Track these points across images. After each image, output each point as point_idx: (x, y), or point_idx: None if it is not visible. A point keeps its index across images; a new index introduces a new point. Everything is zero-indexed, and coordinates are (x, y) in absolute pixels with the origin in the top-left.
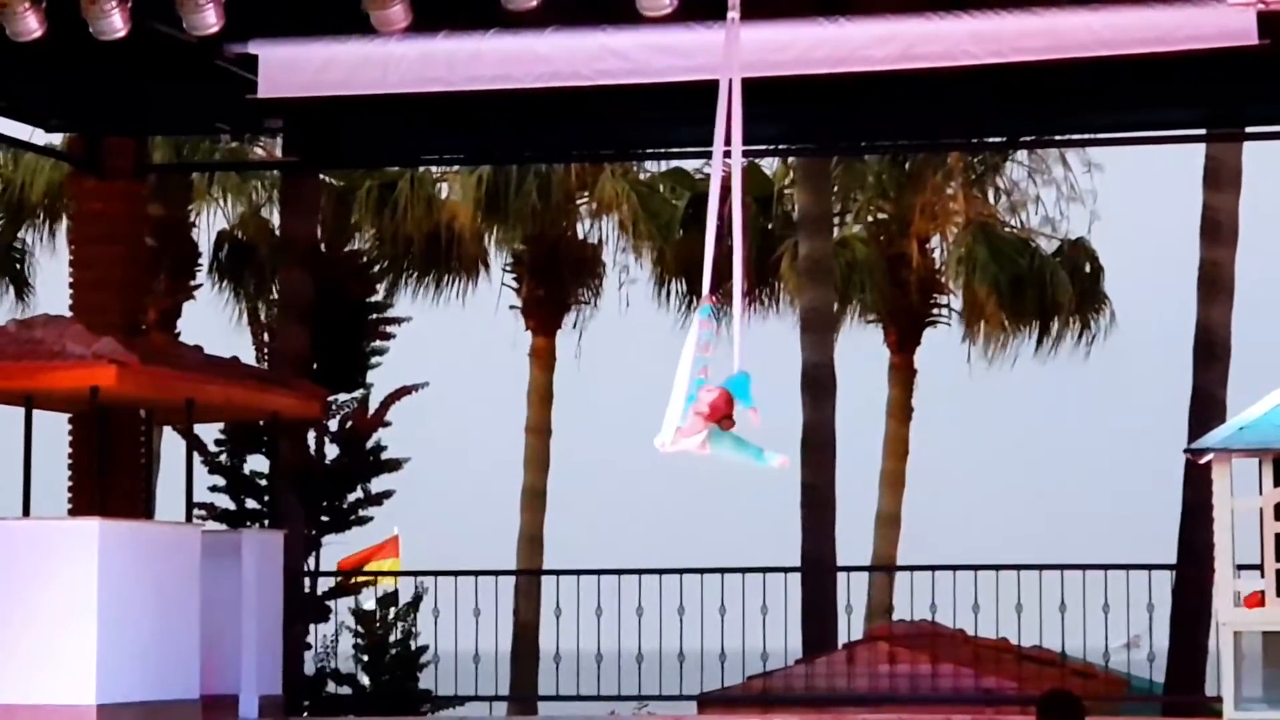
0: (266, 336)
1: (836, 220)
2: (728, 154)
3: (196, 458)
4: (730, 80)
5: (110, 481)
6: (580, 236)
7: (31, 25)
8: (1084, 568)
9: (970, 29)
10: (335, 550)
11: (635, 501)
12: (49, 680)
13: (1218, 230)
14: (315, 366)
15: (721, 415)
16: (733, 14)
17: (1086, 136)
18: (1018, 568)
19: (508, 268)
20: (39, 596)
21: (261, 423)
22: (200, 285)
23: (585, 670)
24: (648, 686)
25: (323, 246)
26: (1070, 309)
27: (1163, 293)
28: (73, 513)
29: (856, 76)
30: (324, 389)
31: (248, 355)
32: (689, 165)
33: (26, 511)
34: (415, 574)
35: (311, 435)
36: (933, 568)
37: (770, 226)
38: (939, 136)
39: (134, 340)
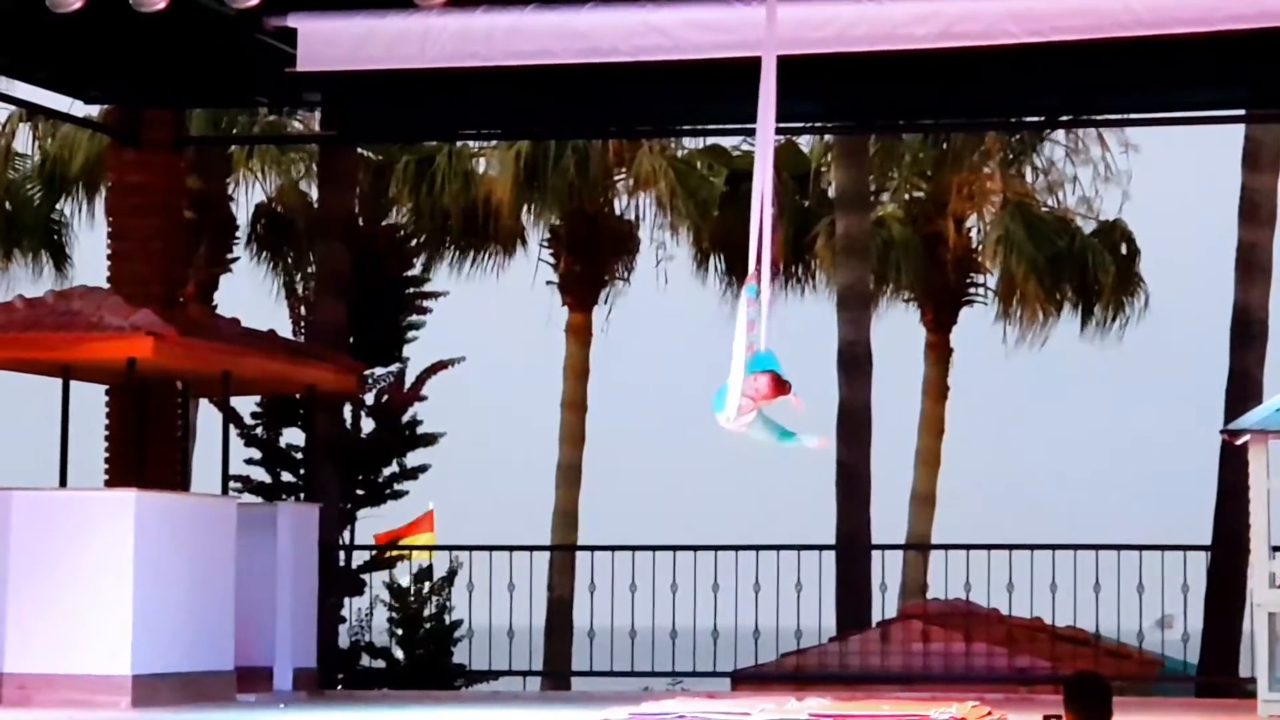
0: (303, 310)
1: (873, 199)
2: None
3: (233, 430)
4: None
5: (147, 453)
6: (617, 213)
7: None
8: (1119, 548)
9: (1010, 8)
10: (370, 524)
11: (670, 478)
12: (85, 650)
13: (1256, 211)
14: (352, 340)
15: (770, 398)
16: None
17: (1125, 116)
18: (1052, 547)
19: (545, 243)
20: (75, 567)
21: (298, 396)
22: (238, 258)
23: (619, 646)
24: (681, 663)
25: (360, 220)
26: (1107, 290)
27: (1200, 274)
28: (109, 484)
29: (896, 54)
30: (360, 363)
31: (285, 328)
32: (727, 142)
33: (63, 482)
34: (450, 548)
35: (347, 409)
36: (967, 546)
37: (807, 204)
38: (977, 115)
39: (171, 312)
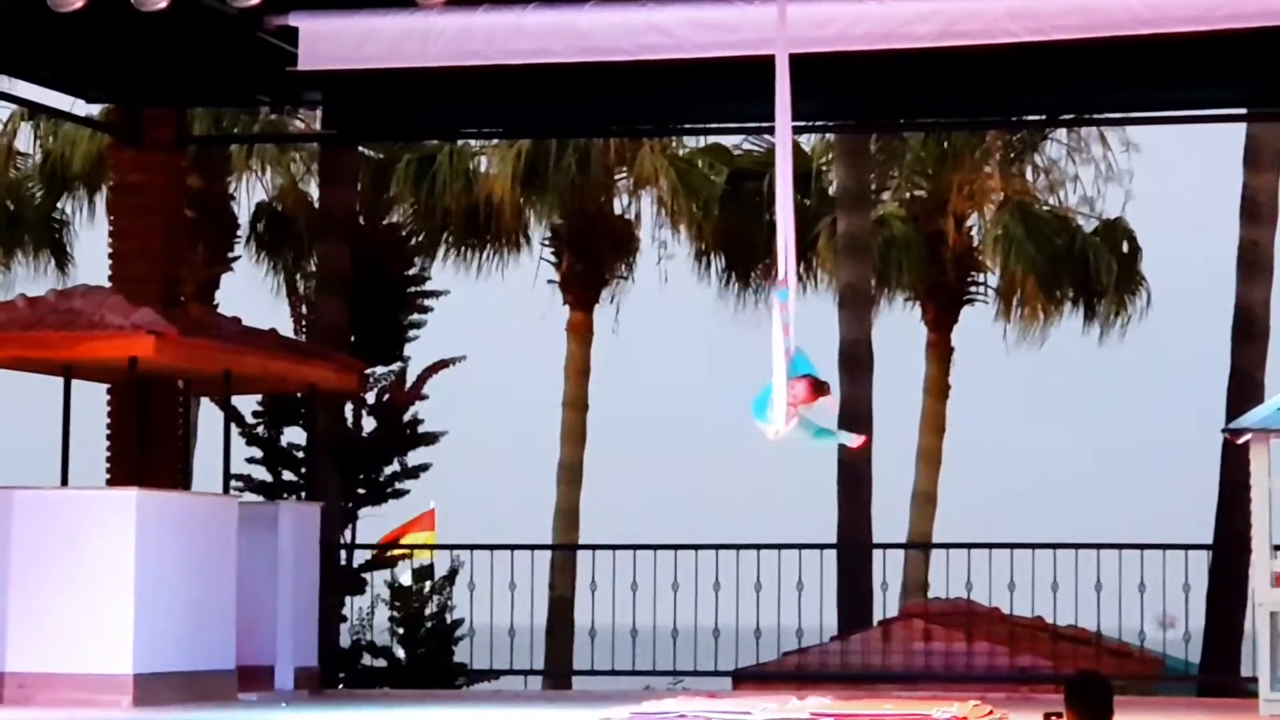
0: (304, 308)
1: (874, 197)
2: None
3: (234, 429)
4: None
5: (148, 452)
6: (618, 211)
7: None
8: (1120, 547)
9: (1010, 7)
10: (371, 523)
11: (672, 477)
12: (87, 649)
13: (1257, 210)
14: (353, 339)
15: (809, 401)
16: None
17: (1125, 115)
18: (1054, 546)
19: (546, 242)
20: (77, 566)
21: (299, 395)
22: (238, 257)
23: (620, 645)
24: (683, 662)
25: (361, 219)
26: (1109, 288)
27: (1201, 273)
28: (111, 483)
29: (897, 53)
30: (361, 362)
31: (286, 327)
32: (728, 141)
33: (65, 481)
34: (451, 548)
35: (349, 408)
36: (969, 546)
37: (809, 203)
38: (978, 114)
39: (172, 311)
